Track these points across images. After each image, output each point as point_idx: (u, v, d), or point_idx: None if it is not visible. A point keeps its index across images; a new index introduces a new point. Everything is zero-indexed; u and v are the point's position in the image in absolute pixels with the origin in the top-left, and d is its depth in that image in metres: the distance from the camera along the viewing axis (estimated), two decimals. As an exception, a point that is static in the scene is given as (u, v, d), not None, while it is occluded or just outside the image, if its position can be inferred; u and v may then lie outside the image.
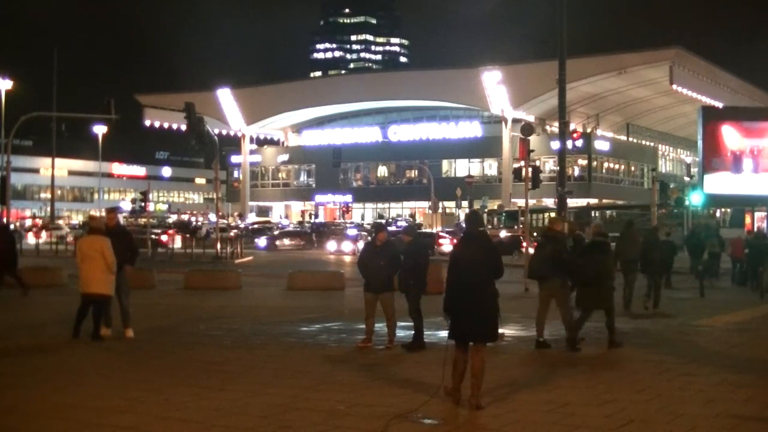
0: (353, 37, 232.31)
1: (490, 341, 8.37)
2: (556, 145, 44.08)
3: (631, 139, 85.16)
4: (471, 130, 77.53)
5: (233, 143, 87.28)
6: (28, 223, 71.88)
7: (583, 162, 71.42)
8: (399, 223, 55.22)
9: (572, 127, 48.43)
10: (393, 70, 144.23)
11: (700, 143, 48.00)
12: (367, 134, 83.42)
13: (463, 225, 11.24)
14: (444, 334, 9.63)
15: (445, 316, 8.42)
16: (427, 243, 32.97)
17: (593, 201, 70.03)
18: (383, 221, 56.97)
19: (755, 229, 40.27)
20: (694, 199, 44.66)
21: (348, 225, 60.48)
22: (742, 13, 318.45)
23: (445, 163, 78.37)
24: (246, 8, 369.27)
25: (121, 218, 19.54)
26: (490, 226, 55.13)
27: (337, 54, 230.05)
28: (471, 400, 8.15)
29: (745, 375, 10.07)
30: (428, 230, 48.91)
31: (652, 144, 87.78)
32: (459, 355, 8.30)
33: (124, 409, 8.23)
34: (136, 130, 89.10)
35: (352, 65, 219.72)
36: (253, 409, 8.22)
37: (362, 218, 79.78)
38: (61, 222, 70.64)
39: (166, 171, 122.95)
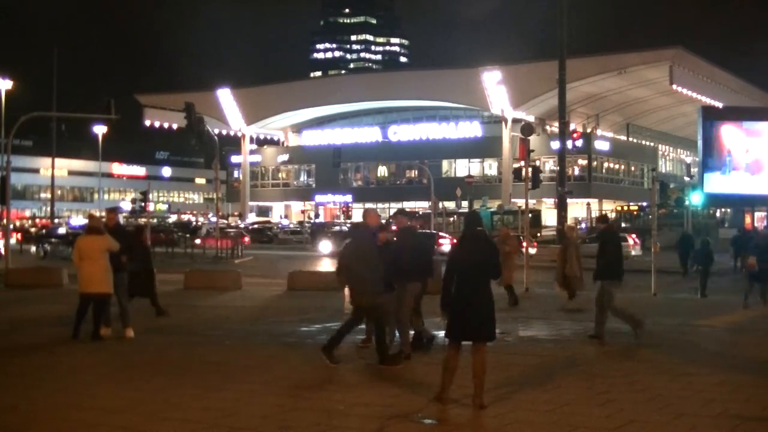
0: (353, 37, 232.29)
1: (490, 340, 8.39)
2: (556, 145, 44.13)
3: (631, 139, 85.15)
4: (471, 130, 77.52)
5: (233, 143, 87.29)
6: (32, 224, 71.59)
7: (583, 162, 71.42)
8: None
9: (572, 127, 48.50)
10: (393, 70, 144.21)
11: (700, 143, 48.04)
12: (367, 134, 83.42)
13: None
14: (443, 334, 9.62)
15: (443, 314, 8.43)
16: (428, 243, 32.91)
17: (593, 201, 70.10)
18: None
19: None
20: (694, 199, 44.68)
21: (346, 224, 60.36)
22: (742, 13, 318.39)
23: (445, 163, 78.36)
24: (246, 8, 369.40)
25: (121, 218, 19.44)
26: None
27: (337, 54, 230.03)
28: (475, 400, 8.17)
29: (745, 375, 10.06)
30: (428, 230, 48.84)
31: (652, 144, 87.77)
32: (454, 354, 8.33)
33: (124, 409, 8.23)
34: (136, 130, 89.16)
35: (352, 65, 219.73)
36: (253, 409, 8.21)
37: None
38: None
39: (166, 171, 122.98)
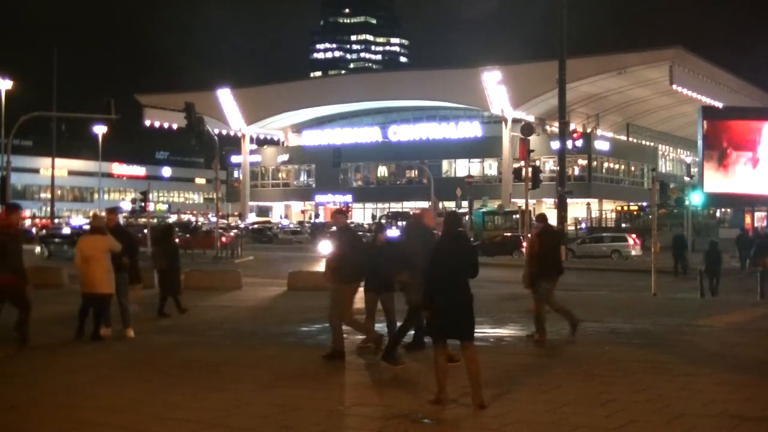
0: (353, 37, 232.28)
1: (469, 339, 8.37)
2: (556, 145, 44.15)
3: (631, 139, 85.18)
4: (471, 130, 77.57)
5: (233, 143, 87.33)
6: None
7: (583, 162, 71.45)
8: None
9: (572, 127, 48.49)
10: (393, 70, 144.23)
11: (700, 143, 48.05)
12: (367, 134, 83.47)
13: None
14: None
15: (424, 313, 8.51)
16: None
17: (593, 201, 70.08)
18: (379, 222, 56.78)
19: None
20: (694, 199, 44.67)
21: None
22: (742, 13, 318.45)
23: (445, 163, 78.40)
24: (246, 8, 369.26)
25: (120, 218, 19.52)
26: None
27: (337, 54, 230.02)
28: (474, 400, 8.17)
29: (745, 375, 10.05)
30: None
31: (652, 144, 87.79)
32: (441, 353, 8.33)
33: (124, 409, 8.23)
34: (136, 130, 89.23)
35: (352, 65, 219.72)
36: (253, 409, 8.21)
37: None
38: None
39: (166, 171, 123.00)
